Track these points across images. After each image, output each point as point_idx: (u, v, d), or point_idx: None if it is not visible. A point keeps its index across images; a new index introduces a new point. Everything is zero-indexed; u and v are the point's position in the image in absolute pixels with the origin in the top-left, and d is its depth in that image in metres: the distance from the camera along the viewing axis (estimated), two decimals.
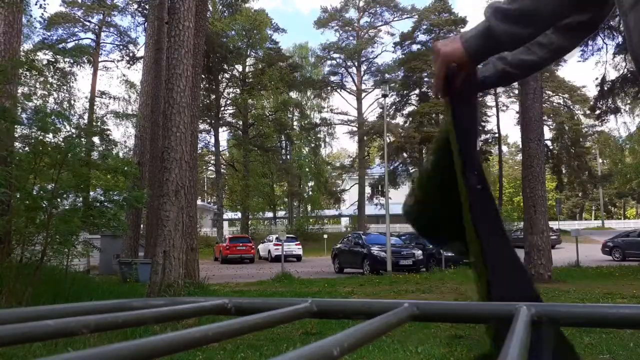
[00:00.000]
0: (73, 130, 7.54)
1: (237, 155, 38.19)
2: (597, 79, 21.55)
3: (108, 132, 8.24)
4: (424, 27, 37.87)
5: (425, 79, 37.73)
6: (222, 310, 0.42)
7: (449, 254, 15.76)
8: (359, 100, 40.43)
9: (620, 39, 18.37)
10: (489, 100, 39.64)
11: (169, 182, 7.48)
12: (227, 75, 37.21)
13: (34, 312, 0.35)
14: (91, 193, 8.77)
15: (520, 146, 15.24)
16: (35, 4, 10.23)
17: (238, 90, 37.37)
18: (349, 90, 41.18)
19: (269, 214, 42.86)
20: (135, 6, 30.55)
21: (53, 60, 9.49)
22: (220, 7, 35.51)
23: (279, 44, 38.49)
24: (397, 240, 17.67)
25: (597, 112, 23.01)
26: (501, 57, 1.08)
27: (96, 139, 7.89)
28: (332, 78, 41.41)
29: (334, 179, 44.75)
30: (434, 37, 37.95)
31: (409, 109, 38.94)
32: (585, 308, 0.38)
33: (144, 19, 28.65)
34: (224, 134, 41.18)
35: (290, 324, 5.09)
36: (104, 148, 8.14)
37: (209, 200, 45.95)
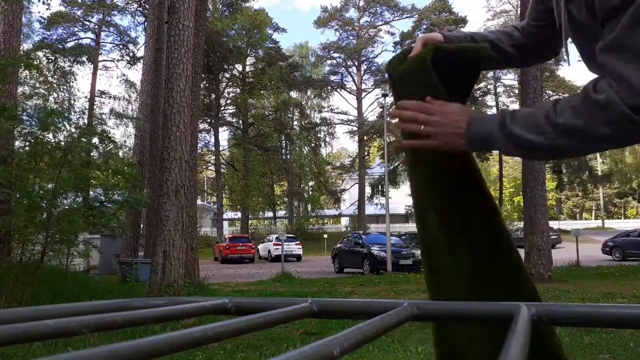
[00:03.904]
0: (73, 130, 7.55)
1: (237, 155, 38.19)
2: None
3: (109, 134, 8.26)
4: (424, 26, 37.86)
5: None
6: (222, 310, 0.42)
7: None
8: (359, 100, 40.44)
9: None
10: (489, 100, 39.67)
11: (168, 182, 7.48)
12: (227, 75, 37.21)
13: (34, 312, 0.35)
14: (90, 193, 8.77)
15: None
16: (39, 1, 10.24)
17: (238, 89, 37.38)
18: (349, 90, 41.21)
19: (269, 214, 42.86)
20: (135, 6, 30.54)
21: (52, 58, 9.50)
22: (220, 6, 35.52)
23: (279, 43, 38.51)
24: (397, 240, 17.67)
25: None
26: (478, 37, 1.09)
27: (96, 139, 7.89)
28: (332, 78, 41.41)
29: (334, 179, 44.75)
30: None
31: None
32: (585, 308, 0.38)
33: (144, 19, 28.65)
34: (224, 134, 41.24)
35: (290, 324, 5.09)
36: (104, 149, 8.13)
37: (209, 200, 45.94)
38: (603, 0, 0.81)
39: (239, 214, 39.92)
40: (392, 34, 41.19)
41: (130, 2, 30.68)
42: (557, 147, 0.81)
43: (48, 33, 30.18)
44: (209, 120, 35.87)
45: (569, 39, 0.98)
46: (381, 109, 32.96)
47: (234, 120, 38.72)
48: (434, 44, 1.01)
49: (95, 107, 29.66)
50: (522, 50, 1.10)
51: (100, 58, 32.28)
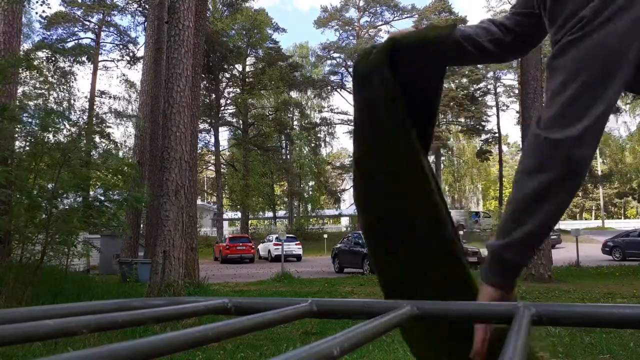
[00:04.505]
0: (73, 130, 7.55)
1: (237, 155, 38.19)
2: None
3: (109, 133, 8.26)
4: (424, 26, 37.89)
5: None
6: (222, 310, 0.42)
7: None
8: None
9: None
10: (489, 100, 39.68)
11: (168, 182, 7.48)
12: (227, 75, 37.21)
13: (34, 312, 0.35)
14: (91, 192, 8.77)
15: (520, 146, 15.21)
16: (37, 2, 10.25)
17: (238, 89, 37.38)
18: (349, 90, 41.17)
19: (269, 214, 42.86)
20: (135, 6, 30.55)
21: (52, 58, 9.49)
22: (221, 6, 35.51)
23: (279, 43, 38.53)
24: None
25: None
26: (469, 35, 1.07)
27: (97, 138, 7.88)
28: (332, 78, 41.47)
29: (334, 179, 44.75)
30: None
31: None
32: (585, 308, 0.38)
33: (143, 19, 28.65)
34: (224, 134, 41.20)
35: (290, 324, 5.09)
36: (105, 149, 8.14)
37: (209, 200, 45.94)
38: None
39: (239, 214, 39.91)
40: None
41: (130, 2, 30.68)
42: (534, 196, 0.82)
43: (48, 33, 30.19)
44: (209, 120, 35.87)
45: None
46: None
47: (234, 120, 38.73)
48: (392, 36, 0.99)
49: (95, 107, 29.65)
50: (499, 45, 1.08)
51: (100, 58, 32.29)
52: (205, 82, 32.68)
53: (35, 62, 8.27)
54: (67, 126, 7.63)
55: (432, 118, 1.00)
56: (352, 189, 1.03)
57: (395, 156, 0.92)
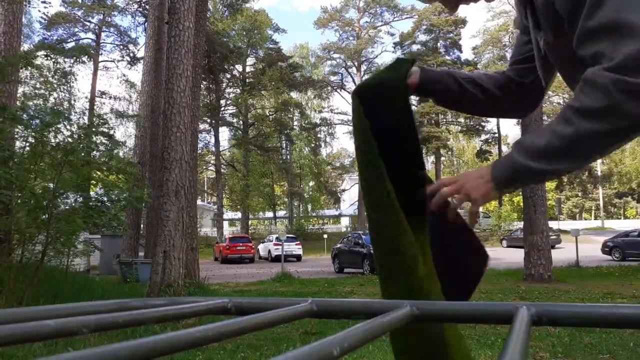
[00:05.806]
0: (74, 130, 7.54)
1: (237, 155, 38.20)
2: None
3: (111, 133, 8.24)
4: (424, 27, 37.91)
5: None
6: (222, 310, 0.42)
7: None
8: None
9: None
10: None
11: (169, 182, 7.48)
12: (227, 75, 37.23)
13: (34, 312, 0.35)
14: (91, 193, 8.77)
15: None
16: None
17: (238, 90, 37.40)
18: (349, 90, 41.20)
19: (269, 214, 42.88)
20: (136, 6, 30.55)
21: (52, 57, 9.48)
22: (221, 7, 35.53)
23: (279, 44, 38.56)
24: None
25: None
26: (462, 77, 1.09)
27: (100, 138, 7.85)
28: (332, 78, 41.51)
29: (333, 179, 44.76)
30: (433, 37, 38.02)
31: None
32: (585, 308, 0.38)
33: (144, 19, 28.66)
34: (224, 134, 41.23)
35: (290, 324, 5.09)
36: (106, 149, 8.13)
37: (209, 200, 45.94)
38: (563, 4, 0.86)
39: (239, 214, 39.93)
40: (392, 35, 41.22)
41: (131, 2, 30.69)
42: (574, 141, 0.79)
43: (48, 33, 30.21)
44: (209, 120, 35.89)
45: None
46: None
47: (234, 120, 38.76)
48: (361, 82, 1.04)
49: (95, 107, 29.66)
50: (503, 91, 1.09)
51: (100, 58, 32.31)
52: (205, 82, 32.68)
53: (35, 62, 8.27)
54: (68, 126, 7.63)
55: (416, 160, 1.02)
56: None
57: (367, 174, 0.96)
